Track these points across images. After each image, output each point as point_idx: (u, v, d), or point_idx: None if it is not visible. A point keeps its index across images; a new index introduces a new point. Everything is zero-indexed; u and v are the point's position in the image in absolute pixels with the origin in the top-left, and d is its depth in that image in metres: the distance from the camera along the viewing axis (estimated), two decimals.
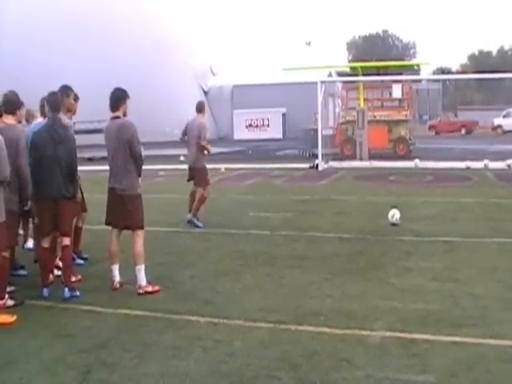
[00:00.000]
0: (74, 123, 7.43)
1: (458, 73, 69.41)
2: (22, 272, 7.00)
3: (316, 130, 21.35)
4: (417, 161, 19.68)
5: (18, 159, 5.79)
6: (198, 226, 9.60)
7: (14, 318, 5.49)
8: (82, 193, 7.38)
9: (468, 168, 18.14)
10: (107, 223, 6.54)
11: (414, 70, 32.75)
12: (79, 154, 6.50)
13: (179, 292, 6.30)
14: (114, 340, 5.00)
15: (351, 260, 7.44)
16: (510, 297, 5.84)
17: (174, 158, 21.48)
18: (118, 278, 6.40)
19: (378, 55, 58.34)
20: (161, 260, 7.52)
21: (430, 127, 46.73)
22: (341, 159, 22.18)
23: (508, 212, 10.57)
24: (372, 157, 22.06)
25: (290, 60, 32.25)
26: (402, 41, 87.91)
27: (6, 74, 25.62)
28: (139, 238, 6.33)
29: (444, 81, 56.33)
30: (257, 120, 36.97)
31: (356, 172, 18.38)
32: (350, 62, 67.95)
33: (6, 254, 5.82)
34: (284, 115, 36.25)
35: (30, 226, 7.59)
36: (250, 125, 37.19)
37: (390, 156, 23.02)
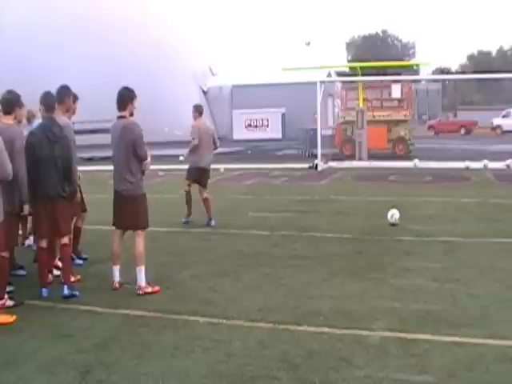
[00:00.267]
0: (74, 123, 7.43)
1: (457, 73, 69.46)
2: (21, 272, 7.00)
3: (315, 130, 21.36)
4: (416, 161, 19.70)
5: (13, 160, 5.77)
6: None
7: (14, 318, 5.49)
8: (81, 193, 7.37)
9: (467, 168, 18.15)
10: (114, 224, 6.52)
11: (413, 70, 32.84)
12: (78, 154, 6.50)
13: (179, 292, 6.30)
14: (113, 340, 5.00)
15: (351, 260, 7.45)
16: (509, 297, 5.84)
17: (173, 158, 21.52)
18: (118, 278, 6.40)
19: (378, 55, 58.34)
20: (161, 260, 7.52)
21: (430, 127, 46.78)
22: (340, 159, 22.20)
23: (507, 212, 10.57)
24: (371, 157, 22.07)
25: (289, 60, 32.28)
26: (401, 41, 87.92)
27: (6, 75, 25.62)
28: (140, 238, 6.33)
29: (443, 81, 56.29)
30: (256, 120, 36.96)
31: (355, 172, 18.38)
32: (349, 62, 67.97)
33: (6, 254, 5.82)
34: (283, 115, 36.23)
35: (29, 225, 7.58)
36: (250, 125, 37.17)
37: (389, 156, 23.06)
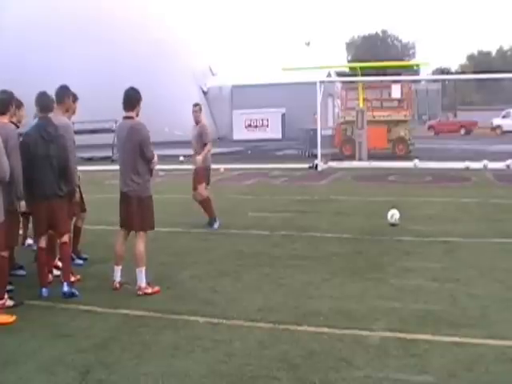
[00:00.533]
0: (73, 123, 7.42)
1: (457, 73, 69.48)
2: (21, 272, 7.00)
3: (315, 130, 21.36)
4: (416, 161, 19.71)
5: (8, 158, 5.73)
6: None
7: (13, 318, 5.49)
8: (81, 193, 7.37)
9: (467, 168, 18.15)
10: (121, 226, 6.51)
11: (413, 70, 32.85)
12: (78, 154, 6.49)
13: (179, 292, 6.29)
14: (113, 340, 5.00)
15: (350, 260, 7.44)
16: (509, 297, 5.84)
17: (173, 159, 21.53)
18: (118, 278, 6.39)
19: (378, 55, 58.34)
20: (160, 260, 7.51)
21: (430, 127, 46.79)
22: (340, 159, 22.21)
23: (507, 212, 10.57)
24: (371, 157, 22.09)
25: (289, 60, 32.31)
26: (401, 41, 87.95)
27: (6, 75, 25.61)
28: (142, 239, 6.32)
29: (443, 81, 56.31)
30: (256, 120, 36.99)
31: (355, 172, 18.38)
32: (349, 62, 67.98)
33: (5, 253, 5.82)
34: (283, 115, 36.26)
35: (31, 225, 7.58)
36: (250, 125, 37.21)
37: (389, 156, 23.06)
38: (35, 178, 6.06)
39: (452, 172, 17.70)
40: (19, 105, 6.64)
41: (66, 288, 6.11)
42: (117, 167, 6.69)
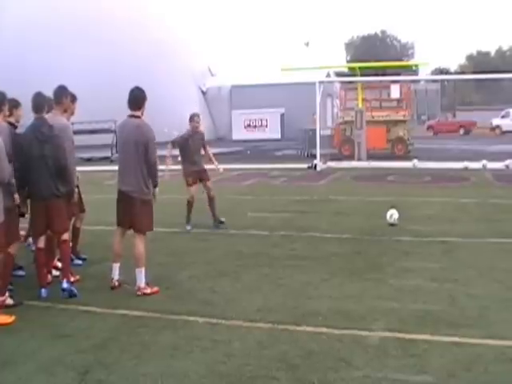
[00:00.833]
0: (73, 124, 7.42)
1: (456, 73, 69.52)
2: (21, 272, 6.99)
3: (314, 130, 21.37)
4: (415, 161, 19.72)
5: None
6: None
7: (13, 318, 5.49)
8: (79, 193, 7.37)
9: (466, 168, 18.15)
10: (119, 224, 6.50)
11: (412, 70, 32.85)
12: (77, 155, 6.48)
13: (178, 292, 6.30)
14: (112, 340, 5.00)
15: (350, 260, 7.45)
16: (508, 297, 5.84)
17: (173, 159, 21.49)
18: (117, 276, 6.40)
19: (377, 55, 58.37)
20: (160, 260, 7.51)
21: (429, 127, 46.80)
22: (339, 159, 22.21)
23: (506, 212, 10.58)
24: (370, 157, 22.10)
25: (288, 60, 32.30)
26: (400, 41, 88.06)
27: (6, 75, 25.60)
28: (141, 239, 6.31)
29: (442, 81, 56.37)
30: (255, 120, 37.00)
31: (354, 172, 18.39)
32: (348, 62, 68.00)
33: (12, 250, 5.86)
34: (282, 115, 36.26)
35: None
36: (249, 125, 37.21)
37: (388, 156, 23.07)
38: (31, 178, 6.06)
39: (451, 172, 17.71)
40: (16, 105, 6.62)
41: (65, 284, 6.11)
42: (116, 168, 6.68)
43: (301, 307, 5.68)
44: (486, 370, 4.26)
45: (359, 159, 21.84)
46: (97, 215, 8.99)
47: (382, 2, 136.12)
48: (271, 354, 4.62)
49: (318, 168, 19.41)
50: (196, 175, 9.79)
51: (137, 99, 6.31)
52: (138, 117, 6.29)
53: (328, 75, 34.01)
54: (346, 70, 35.08)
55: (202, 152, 10.12)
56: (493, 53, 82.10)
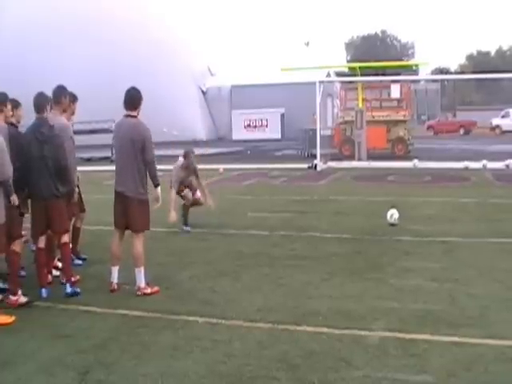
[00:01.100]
0: (72, 124, 7.41)
1: (456, 73, 69.51)
2: (21, 273, 6.98)
3: (314, 130, 21.36)
4: (415, 161, 19.71)
5: None
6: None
7: (13, 318, 5.50)
8: (80, 193, 7.37)
9: (466, 168, 18.15)
10: (115, 225, 6.50)
11: (412, 70, 32.84)
12: (77, 155, 6.48)
13: (178, 292, 6.29)
14: (112, 340, 5.00)
15: (350, 260, 7.45)
16: (508, 297, 5.84)
17: (172, 159, 21.49)
18: (116, 279, 6.39)
19: (377, 55, 58.36)
20: (159, 260, 7.51)
21: (429, 127, 46.79)
22: (339, 159, 22.21)
23: (506, 212, 10.57)
24: (370, 157, 22.10)
25: (288, 60, 32.24)
26: (400, 41, 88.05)
27: (6, 75, 25.61)
28: (139, 239, 6.31)
29: (442, 81, 56.34)
30: (255, 120, 36.95)
31: (354, 172, 18.39)
32: (348, 62, 67.97)
33: (17, 248, 5.88)
34: (282, 115, 36.23)
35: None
36: (249, 125, 37.17)
37: (388, 156, 23.07)
38: (32, 179, 6.07)
39: (451, 172, 17.71)
40: (17, 105, 6.63)
41: (68, 289, 6.15)
42: None
43: (301, 307, 5.68)
44: (486, 369, 4.26)
45: (359, 159, 21.83)
46: (97, 215, 8.97)
47: (381, 2, 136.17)
48: (271, 353, 4.62)
49: (318, 168, 19.41)
50: (184, 184, 9.69)
51: (133, 99, 6.32)
52: (135, 116, 6.30)
53: (328, 75, 33.98)
54: (346, 69, 35.07)
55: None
56: (493, 53, 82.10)
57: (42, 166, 6.06)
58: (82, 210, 7.62)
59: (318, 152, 20.21)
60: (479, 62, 69.22)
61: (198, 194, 9.71)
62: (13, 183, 5.81)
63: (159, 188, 6.44)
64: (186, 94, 35.92)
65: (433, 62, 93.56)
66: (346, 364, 4.40)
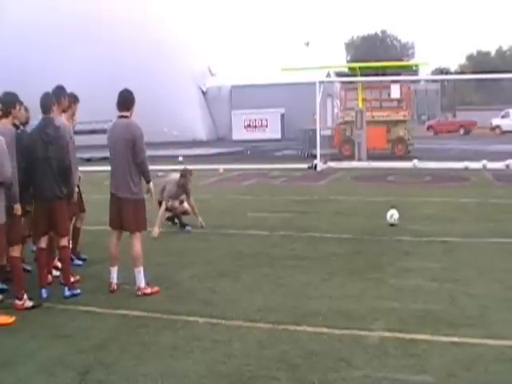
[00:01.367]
0: (74, 125, 7.41)
1: (456, 73, 69.48)
2: (27, 267, 6.99)
3: (314, 130, 21.36)
4: (415, 161, 19.71)
5: None
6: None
7: (13, 318, 5.50)
8: (80, 193, 7.37)
9: (466, 168, 18.15)
10: (110, 225, 6.50)
11: (412, 70, 32.87)
12: (77, 155, 6.48)
13: (178, 292, 6.29)
14: (112, 340, 5.00)
15: (350, 260, 7.45)
16: (508, 297, 5.84)
17: (172, 159, 21.50)
18: (115, 280, 6.39)
19: (377, 55, 58.35)
20: (159, 260, 7.52)
21: (429, 127, 46.79)
22: (339, 159, 22.21)
23: (506, 212, 10.57)
24: (370, 157, 22.09)
25: (288, 60, 32.25)
26: (400, 41, 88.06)
27: (6, 75, 25.61)
28: (138, 240, 6.31)
29: (442, 81, 56.28)
30: (255, 120, 36.93)
31: (354, 172, 18.39)
32: (348, 62, 68.00)
33: (16, 254, 5.86)
34: (282, 115, 36.22)
35: None
36: (249, 125, 37.15)
37: (388, 156, 23.07)
38: (35, 179, 6.06)
39: (451, 172, 17.71)
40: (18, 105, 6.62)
41: (67, 293, 6.15)
42: None
43: (301, 307, 5.68)
44: (486, 369, 4.26)
45: (359, 159, 21.83)
46: (97, 215, 8.96)
47: (381, 2, 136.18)
48: (271, 354, 4.62)
49: (318, 168, 19.41)
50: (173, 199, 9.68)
51: (126, 100, 6.35)
52: (127, 117, 6.33)
53: (328, 75, 33.98)
54: (346, 70, 35.10)
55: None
56: (493, 53, 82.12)
57: (47, 166, 6.06)
58: (82, 210, 7.62)
59: (318, 152, 20.20)
60: (479, 62, 69.24)
61: (186, 205, 9.70)
62: (18, 184, 5.81)
63: (151, 183, 6.48)
64: (186, 94, 35.92)
65: (433, 62, 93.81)
66: (346, 364, 4.40)
